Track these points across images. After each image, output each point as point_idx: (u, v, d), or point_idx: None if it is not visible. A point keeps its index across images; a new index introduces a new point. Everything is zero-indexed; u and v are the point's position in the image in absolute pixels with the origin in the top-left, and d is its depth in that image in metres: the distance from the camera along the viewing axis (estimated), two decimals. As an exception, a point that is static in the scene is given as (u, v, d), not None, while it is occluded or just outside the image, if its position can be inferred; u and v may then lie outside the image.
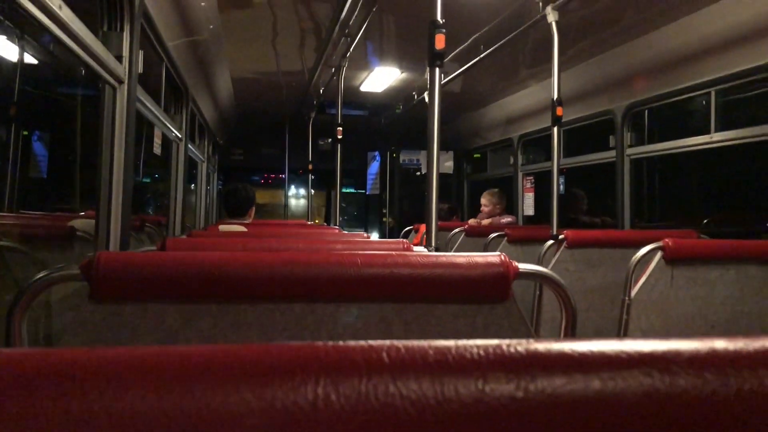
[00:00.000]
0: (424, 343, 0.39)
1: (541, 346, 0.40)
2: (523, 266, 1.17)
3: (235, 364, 0.37)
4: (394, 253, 1.15)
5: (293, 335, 1.09)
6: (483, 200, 5.85)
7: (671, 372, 0.39)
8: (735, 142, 3.68)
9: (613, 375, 0.38)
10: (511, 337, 1.16)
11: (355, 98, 6.87)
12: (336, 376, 0.37)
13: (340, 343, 0.39)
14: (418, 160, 8.70)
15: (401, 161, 8.78)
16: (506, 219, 5.65)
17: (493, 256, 1.16)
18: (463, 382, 0.37)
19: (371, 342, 0.39)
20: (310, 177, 8.36)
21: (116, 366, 0.36)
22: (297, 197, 12.35)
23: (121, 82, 2.23)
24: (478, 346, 0.39)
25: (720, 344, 0.41)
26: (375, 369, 0.37)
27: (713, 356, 0.40)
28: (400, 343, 0.39)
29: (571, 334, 1.23)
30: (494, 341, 0.40)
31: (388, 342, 0.39)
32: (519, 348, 0.39)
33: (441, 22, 2.11)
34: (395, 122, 7.99)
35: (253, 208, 4.09)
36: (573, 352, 0.39)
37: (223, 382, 0.36)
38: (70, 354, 0.37)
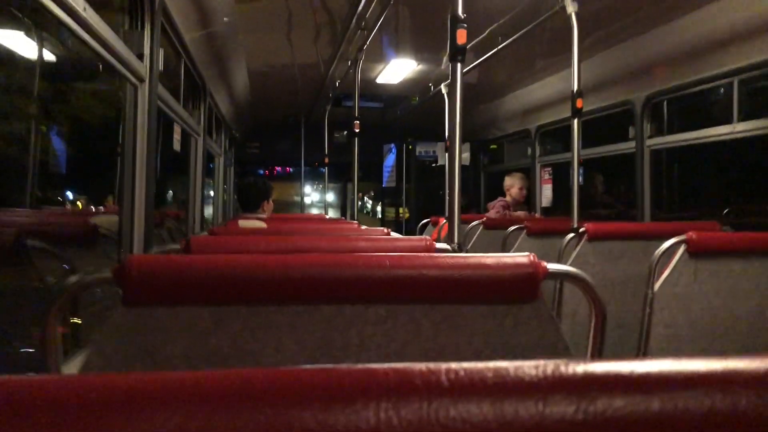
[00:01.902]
0: (481, 365, 0.39)
1: (599, 366, 0.40)
2: (552, 266, 1.16)
3: (296, 388, 0.37)
4: (422, 254, 1.14)
5: (323, 336, 1.09)
6: (519, 183, 5.51)
7: (732, 392, 0.38)
8: (759, 132, 3.63)
9: (673, 396, 0.38)
10: (540, 336, 1.15)
11: (371, 90, 6.85)
12: (397, 400, 0.36)
13: (399, 365, 0.39)
14: (434, 152, 8.67)
15: (417, 153, 8.76)
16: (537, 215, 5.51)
17: (521, 257, 1.15)
18: (523, 404, 0.37)
19: (430, 365, 0.39)
20: (327, 170, 8.36)
21: (178, 389, 0.37)
22: (315, 190, 12.25)
23: (142, 80, 2.24)
24: (536, 367, 0.39)
25: None
26: (435, 392, 0.37)
27: None
28: (458, 365, 0.39)
29: (601, 334, 1.22)
30: (552, 362, 0.40)
31: (445, 365, 0.39)
32: (577, 369, 0.39)
33: (462, 16, 2.10)
34: (411, 114, 7.97)
35: (270, 203, 4.09)
36: (632, 373, 0.39)
37: (285, 406, 0.36)
38: (131, 378, 0.37)
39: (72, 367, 1.62)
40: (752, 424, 0.38)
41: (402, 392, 0.37)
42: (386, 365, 0.39)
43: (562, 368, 0.39)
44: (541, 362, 0.39)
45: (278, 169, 11.76)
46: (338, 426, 0.35)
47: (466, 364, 0.39)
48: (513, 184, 5.56)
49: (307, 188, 12.04)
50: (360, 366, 0.39)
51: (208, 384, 0.37)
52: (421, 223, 5.85)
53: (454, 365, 0.39)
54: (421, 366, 0.39)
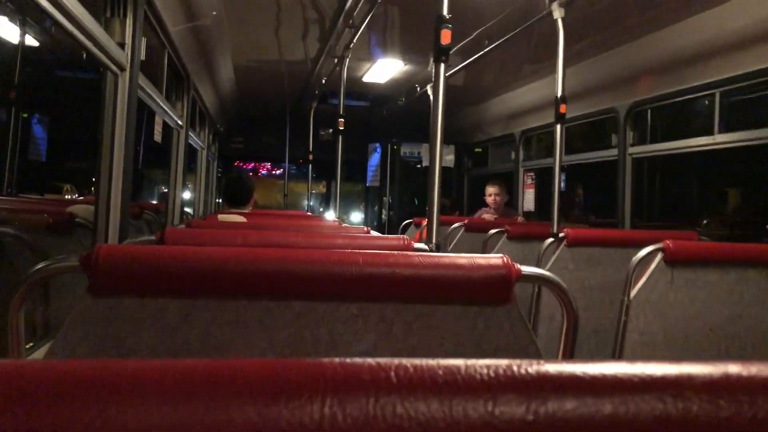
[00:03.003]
0: (432, 362, 0.38)
1: (552, 367, 0.39)
2: (526, 269, 1.16)
3: (239, 380, 0.36)
4: (396, 252, 1.14)
5: (293, 333, 1.08)
6: (495, 190, 5.59)
7: (684, 397, 0.38)
8: (738, 144, 3.67)
9: (625, 399, 0.37)
10: (511, 339, 1.15)
11: (357, 89, 6.84)
12: (343, 395, 0.36)
13: (347, 360, 0.38)
14: (419, 153, 8.67)
15: (402, 154, 8.75)
16: (520, 218, 5.58)
17: (495, 258, 1.15)
18: (473, 404, 0.36)
19: (379, 360, 0.38)
20: (310, 167, 8.32)
21: (116, 379, 0.35)
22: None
23: (123, 69, 2.21)
24: (488, 366, 0.38)
25: (734, 369, 0.40)
26: (383, 388, 0.36)
27: (727, 382, 0.39)
28: (408, 361, 0.38)
29: (572, 338, 1.22)
30: (504, 361, 0.39)
31: (396, 360, 0.38)
32: (530, 369, 0.38)
33: (447, 17, 2.10)
34: (397, 114, 7.97)
35: (254, 198, 4.12)
36: (585, 375, 0.38)
37: (227, 399, 0.35)
38: (70, 366, 0.36)
39: (35, 356, 1.60)
40: (704, 429, 0.37)
41: (349, 388, 0.36)
42: (335, 359, 0.38)
43: (515, 368, 0.38)
44: (494, 361, 0.39)
45: (263, 171, 11.61)
46: (281, 421, 0.34)
47: (416, 361, 0.38)
48: (485, 192, 5.67)
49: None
50: (308, 360, 0.38)
51: (146, 374, 0.36)
52: (403, 224, 5.84)
53: (405, 361, 0.38)
54: (370, 361, 0.38)
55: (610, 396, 0.37)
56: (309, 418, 0.35)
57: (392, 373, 0.37)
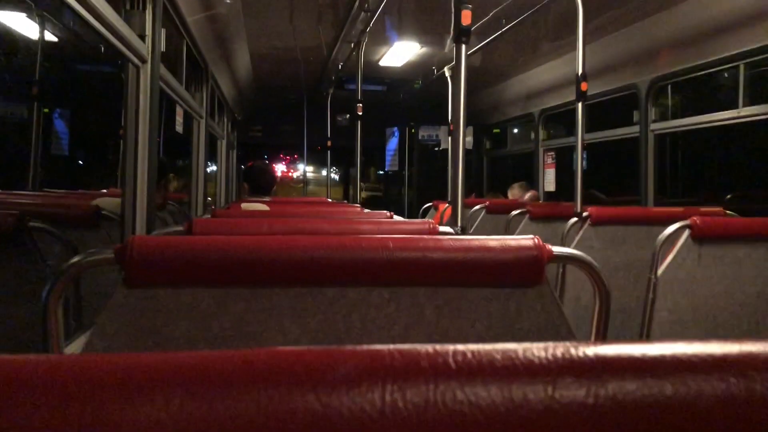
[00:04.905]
0: (489, 347, 0.38)
1: (610, 349, 0.39)
2: (557, 249, 1.15)
3: (299, 369, 0.36)
4: (426, 236, 1.14)
5: (326, 319, 1.09)
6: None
7: (747, 377, 0.37)
8: (764, 117, 3.60)
9: (687, 380, 0.37)
10: (543, 320, 1.14)
11: (374, 73, 6.81)
12: (403, 382, 0.36)
13: (405, 347, 0.38)
14: (437, 136, 8.63)
15: (420, 137, 8.72)
16: (528, 194, 5.61)
17: (526, 239, 1.14)
18: (532, 387, 0.36)
19: (437, 347, 0.38)
20: (329, 153, 8.32)
21: (179, 370, 0.36)
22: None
23: (144, 61, 2.22)
24: (546, 350, 0.38)
25: None
26: (442, 375, 0.36)
27: None
28: (465, 347, 0.38)
29: (605, 318, 1.21)
30: (561, 344, 0.39)
31: (452, 346, 0.38)
32: (588, 352, 0.38)
33: (467, -3, 2.08)
34: (414, 97, 7.93)
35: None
36: (644, 356, 0.38)
37: (288, 388, 0.35)
38: (130, 359, 0.36)
39: (74, 349, 1.62)
40: (767, 408, 0.37)
41: (408, 374, 0.36)
42: (392, 346, 0.38)
43: (572, 351, 0.38)
44: (551, 344, 0.38)
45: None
46: (342, 408, 0.35)
47: (473, 346, 0.38)
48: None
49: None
50: (365, 347, 0.38)
51: (209, 365, 0.36)
52: (423, 207, 5.84)
53: (461, 347, 0.38)
54: (427, 348, 0.38)
55: (671, 377, 0.37)
56: (370, 405, 0.35)
57: (450, 359, 0.37)
